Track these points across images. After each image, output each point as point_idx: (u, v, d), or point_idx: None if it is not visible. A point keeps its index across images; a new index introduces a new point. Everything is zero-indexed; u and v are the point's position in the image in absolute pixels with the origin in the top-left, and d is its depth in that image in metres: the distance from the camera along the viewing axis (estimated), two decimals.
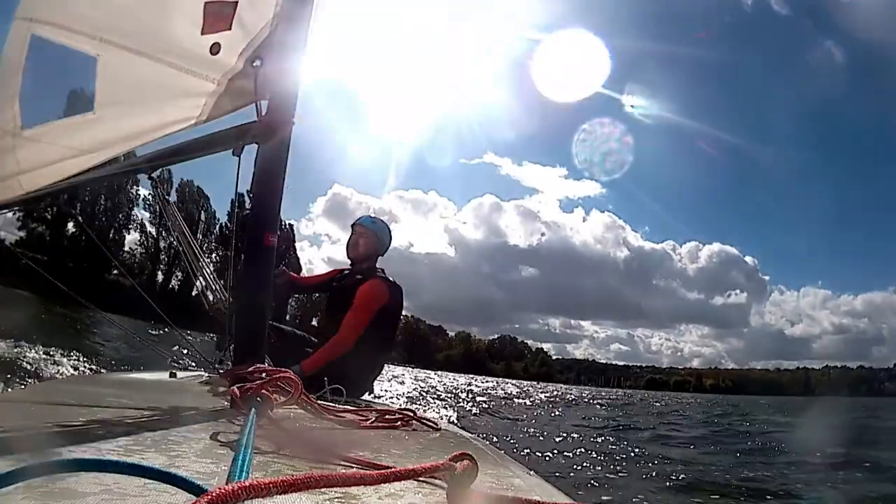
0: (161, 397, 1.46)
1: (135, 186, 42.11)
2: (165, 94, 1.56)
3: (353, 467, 0.78)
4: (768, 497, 4.84)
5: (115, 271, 36.92)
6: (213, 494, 0.39)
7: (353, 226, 2.94)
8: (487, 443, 1.55)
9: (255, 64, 1.62)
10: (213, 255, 43.93)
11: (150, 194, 40.71)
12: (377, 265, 2.88)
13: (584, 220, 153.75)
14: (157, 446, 0.83)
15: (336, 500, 0.63)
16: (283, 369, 1.19)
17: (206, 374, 2.41)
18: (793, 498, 4.91)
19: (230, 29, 1.57)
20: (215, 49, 1.57)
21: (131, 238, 44.44)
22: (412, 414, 1.54)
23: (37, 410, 1.08)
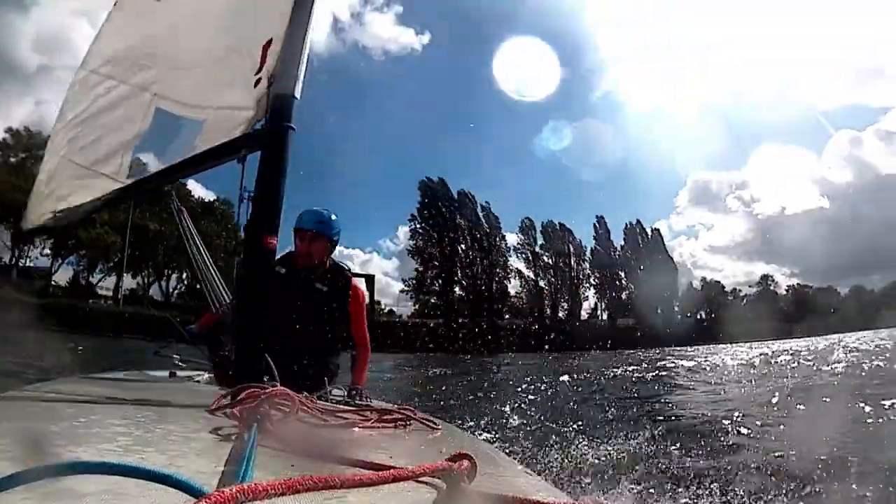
0: (161, 397, 1.46)
1: (503, 240, 48.00)
2: (229, 133, 1.82)
3: (353, 468, 0.78)
4: None
5: (507, 316, 45.07)
6: (214, 497, 0.40)
7: (296, 231, 2.46)
8: (487, 443, 1.55)
9: (270, 85, 1.76)
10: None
11: (518, 243, 47.30)
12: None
13: None
14: (157, 446, 0.83)
15: (336, 500, 0.63)
16: (281, 387, 1.20)
17: (207, 374, 2.42)
18: None
19: (266, 61, 1.78)
20: (258, 82, 1.78)
21: (513, 284, 48.40)
22: (412, 414, 1.54)
23: (37, 410, 1.08)
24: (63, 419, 0.94)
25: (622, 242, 49.85)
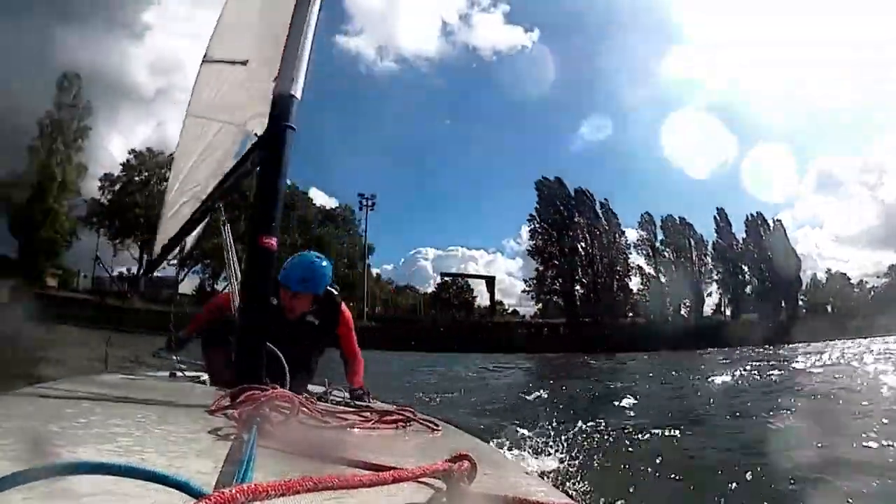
0: (161, 398, 1.46)
1: (623, 237, 46.38)
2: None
3: (353, 469, 0.78)
4: None
5: (631, 314, 43.82)
6: (214, 498, 0.40)
7: (280, 284, 2.32)
8: (487, 443, 1.55)
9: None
10: None
11: (638, 239, 45.95)
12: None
13: None
14: (157, 447, 0.83)
15: (336, 501, 0.63)
16: (281, 389, 1.21)
17: (206, 375, 2.42)
18: None
19: None
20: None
21: (634, 282, 46.99)
22: (412, 414, 1.54)
23: (37, 410, 1.08)
24: (63, 419, 0.94)
25: (744, 235, 46.99)
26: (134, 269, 41.96)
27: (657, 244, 46.26)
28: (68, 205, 37.81)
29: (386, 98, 67.37)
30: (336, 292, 2.50)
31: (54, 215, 35.98)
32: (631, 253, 46.87)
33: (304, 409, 1.20)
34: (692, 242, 46.62)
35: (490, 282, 46.42)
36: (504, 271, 60.34)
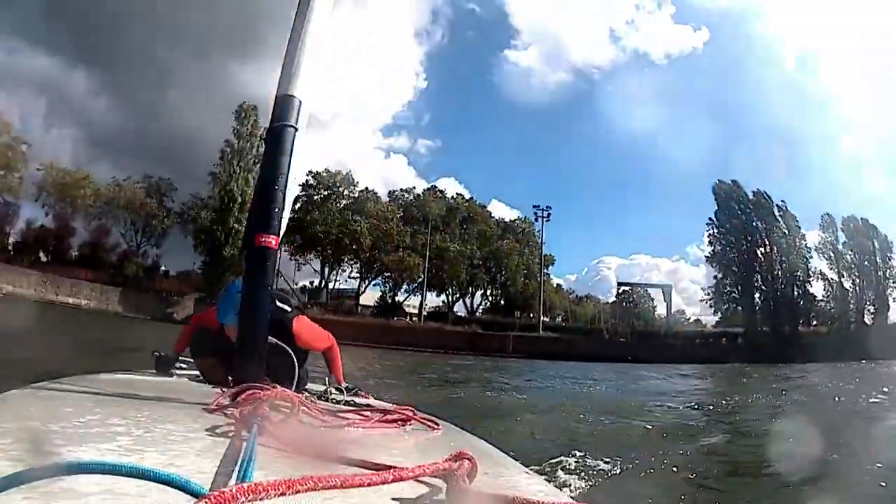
0: (161, 397, 1.46)
1: (803, 241, 43.83)
2: None
3: (353, 468, 0.78)
4: None
5: (815, 322, 41.12)
6: (214, 497, 0.40)
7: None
8: (487, 442, 1.55)
9: None
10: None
11: (819, 243, 43.12)
12: None
13: None
14: (158, 446, 0.83)
15: (336, 500, 0.63)
16: (281, 388, 1.21)
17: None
18: None
19: None
20: None
21: (815, 287, 44.31)
22: (412, 413, 1.54)
23: (37, 410, 1.08)
24: (63, 419, 0.94)
25: None
26: (316, 282, 46.03)
27: (839, 247, 43.15)
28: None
29: (560, 108, 67.24)
30: (289, 309, 2.30)
31: (235, 234, 39.40)
32: (812, 257, 44.03)
33: (304, 408, 1.20)
34: (876, 245, 43.59)
35: (667, 290, 45.71)
36: (688, 279, 58.83)
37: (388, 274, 46.25)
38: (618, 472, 4.09)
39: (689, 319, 48.22)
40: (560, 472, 3.95)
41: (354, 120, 73.54)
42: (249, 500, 0.43)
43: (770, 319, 41.16)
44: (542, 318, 43.75)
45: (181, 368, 2.47)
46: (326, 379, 2.32)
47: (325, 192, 46.07)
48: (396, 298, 47.63)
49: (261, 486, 0.45)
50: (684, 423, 7.08)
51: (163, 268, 43.69)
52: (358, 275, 47.14)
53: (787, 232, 43.21)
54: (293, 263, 45.69)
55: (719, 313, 44.80)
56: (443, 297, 48.63)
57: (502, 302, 49.44)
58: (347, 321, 38.62)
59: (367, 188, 47.54)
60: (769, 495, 3.83)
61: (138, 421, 1.02)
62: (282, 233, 1.69)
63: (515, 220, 50.59)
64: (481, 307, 49.81)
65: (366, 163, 64.59)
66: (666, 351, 33.29)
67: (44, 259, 39.97)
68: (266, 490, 0.45)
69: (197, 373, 2.46)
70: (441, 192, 49.68)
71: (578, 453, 4.41)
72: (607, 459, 4.28)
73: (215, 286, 37.50)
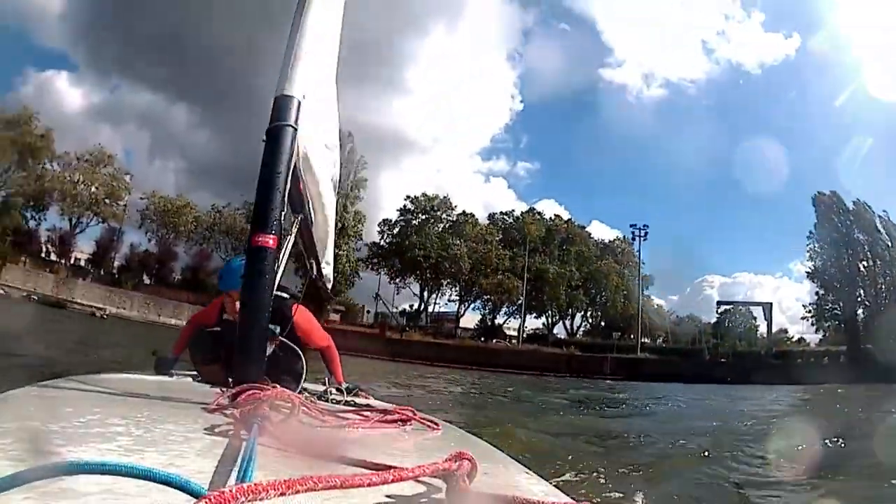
0: (161, 397, 1.46)
1: None
2: None
3: (353, 468, 0.78)
4: None
5: None
6: (214, 497, 0.40)
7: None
8: (487, 442, 1.55)
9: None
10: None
11: None
12: None
13: None
14: (157, 446, 0.83)
15: (336, 500, 0.63)
16: (281, 388, 1.21)
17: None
18: None
19: None
20: None
21: None
22: (412, 414, 1.54)
23: (37, 410, 1.08)
24: (63, 419, 0.94)
25: None
26: (415, 305, 47.33)
27: None
28: (349, 248, 43.01)
29: (657, 124, 65.89)
30: (286, 296, 2.37)
31: (335, 259, 40.08)
32: None
33: (305, 408, 1.20)
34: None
35: (767, 308, 43.88)
36: (793, 297, 57.84)
37: (488, 297, 46.89)
38: None
39: (791, 338, 46.69)
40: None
41: (454, 144, 77.04)
42: (249, 501, 0.43)
43: (874, 337, 37.60)
44: (640, 339, 43.37)
45: (181, 368, 2.47)
46: (326, 379, 2.32)
47: (423, 216, 47.08)
48: (496, 321, 48.28)
49: (260, 486, 0.45)
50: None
51: None
52: (457, 298, 48.04)
53: (890, 245, 40.80)
54: (392, 287, 47.23)
55: (822, 331, 43.08)
56: (542, 319, 48.97)
57: (602, 323, 49.39)
58: (446, 344, 40.09)
59: (464, 211, 48.31)
60: None
61: (138, 421, 1.02)
62: (301, 232, 1.69)
63: (615, 240, 50.60)
64: (581, 329, 49.81)
65: (467, 187, 66.48)
66: (766, 371, 31.92)
67: (147, 282, 43.16)
68: (266, 490, 0.45)
69: (196, 371, 2.46)
70: (539, 213, 49.99)
71: None
72: None
73: (317, 309, 38.33)
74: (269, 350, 2.31)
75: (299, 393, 1.93)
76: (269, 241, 1.62)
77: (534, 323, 49.11)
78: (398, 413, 1.50)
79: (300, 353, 1.90)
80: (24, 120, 38.77)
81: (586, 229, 50.63)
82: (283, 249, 2.05)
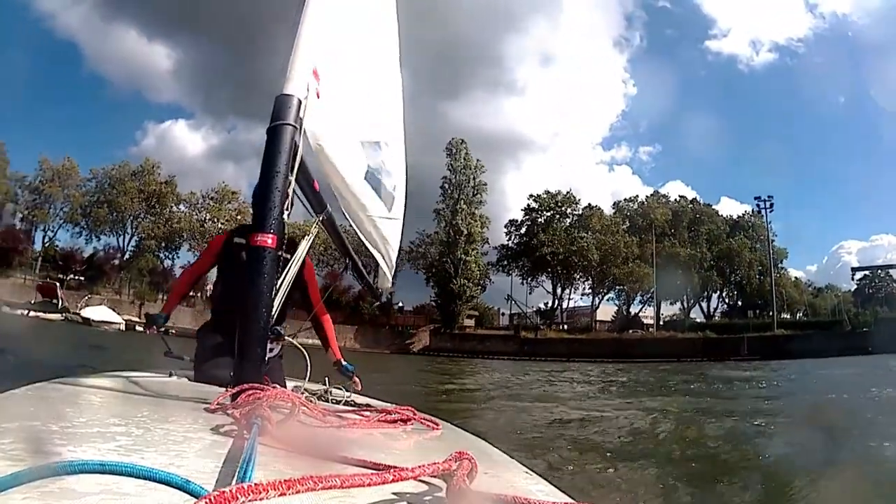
0: (161, 397, 1.46)
1: None
2: None
3: (353, 468, 0.78)
4: None
5: None
6: (214, 497, 0.40)
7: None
8: (487, 442, 1.55)
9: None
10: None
11: None
12: None
13: None
14: (157, 446, 0.83)
15: (336, 500, 0.63)
16: (281, 388, 1.21)
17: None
18: None
19: None
20: None
21: None
22: (412, 414, 1.54)
23: (37, 410, 1.08)
24: (63, 419, 0.94)
25: None
26: (549, 302, 47.20)
27: None
28: (476, 253, 44.22)
29: (772, 89, 64.88)
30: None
31: (464, 265, 42.53)
32: None
33: (305, 408, 1.20)
34: None
35: None
36: None
37: (620, 287, 46.20)
38: None
39: None
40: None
41: (573, 138, 75.42)
42: (249, 500, 0.43)
43: None
44: (776, 314, 41.41)
45: (181, 368, 2.47)
46: (326, 379, 2.32)
47: (548, 213, 46.88)
48: (631, 311, 47.68)
49: (261, 486, 0.45)
50: None
51: (399, 304, 45.24)
52: (590, 291, 47.61)
53: None
54: (525, 287, 47.32)
55: None
56: (678, 304, 47.86)
57: (739, 303, 47.67)
58: (581, 338, 40.00)
59: (589, 204, 47.61)
60: None
61: (138, 421, 1.02)
62: (315, 236, 1.67)
63: (743, 214, 48.36)
64: (718, 311, 48.35)
65: (592, 179, 65.95)
66: None
67: None
68: (266, 490, 0.45)
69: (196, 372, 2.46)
70: (664, 196, 48.61)
71: None
72: None
73: (451, 315, 41.72)
74: (277, 351, 2.32)
75: (299, 393, 1.94)
76: (269, 240, 1.61)
77: (670, 310, 47.92)
78: (398, 413, 1.51)
79: (305, 352, 1.90)
80: (148, 170, 43.19)
81: (714, 207, 48.76)
82: (301, 249, 2.02)
